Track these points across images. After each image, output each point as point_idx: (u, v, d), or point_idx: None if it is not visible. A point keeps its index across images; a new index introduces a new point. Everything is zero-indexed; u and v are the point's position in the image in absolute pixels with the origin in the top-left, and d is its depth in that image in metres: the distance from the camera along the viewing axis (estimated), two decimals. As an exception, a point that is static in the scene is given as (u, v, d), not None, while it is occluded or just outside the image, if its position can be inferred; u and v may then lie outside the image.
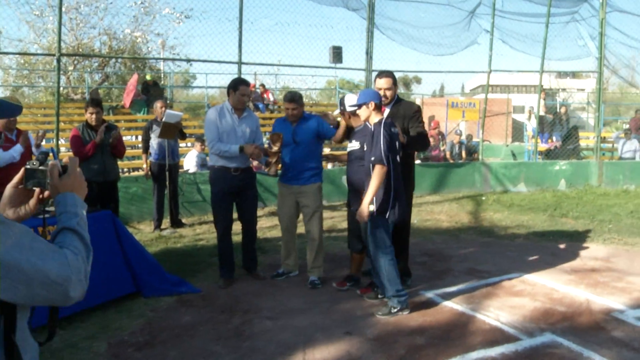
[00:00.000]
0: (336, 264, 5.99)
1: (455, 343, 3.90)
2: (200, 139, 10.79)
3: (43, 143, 12.54)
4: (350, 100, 5.01)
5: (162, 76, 20.99)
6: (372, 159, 4.29)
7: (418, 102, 21.81)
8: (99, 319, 4.37)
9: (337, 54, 15.88)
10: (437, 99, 23.65)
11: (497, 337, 4.01)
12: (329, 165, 12.93)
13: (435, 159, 13.32)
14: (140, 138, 9.26)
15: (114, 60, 21.60)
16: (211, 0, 10.41)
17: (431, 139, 11.60)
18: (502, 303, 4.73)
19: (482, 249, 6.70)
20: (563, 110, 15.42)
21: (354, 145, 4.97)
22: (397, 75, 5.18)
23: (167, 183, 7.85)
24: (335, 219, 8.54)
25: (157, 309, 4.65)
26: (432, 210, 9.30)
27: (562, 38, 12.78)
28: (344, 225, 7.66)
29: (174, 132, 7.52)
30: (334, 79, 22.35)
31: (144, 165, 8.07)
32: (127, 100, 15.62)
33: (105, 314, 4.47)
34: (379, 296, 4.80)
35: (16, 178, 1.61)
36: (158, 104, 8.05)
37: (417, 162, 10.84)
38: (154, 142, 7.77)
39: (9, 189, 1.61)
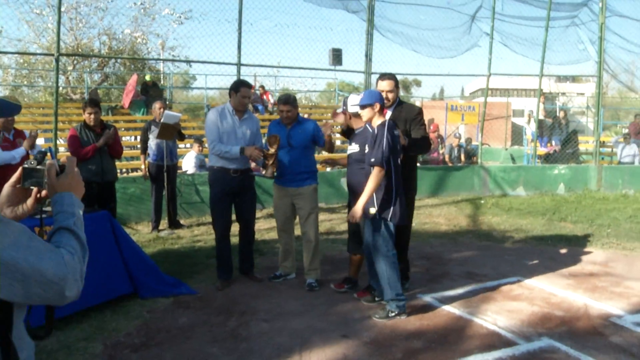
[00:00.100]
0: (334, 267, 5.97)
1: (452, 347, 3.89)
2: (198, 140, 10.78)
3: (41, 142, 12.51)
4: (354, 100, 4.99)
5: (161, 77, 20.99)
6: (372, 160, 4.27)
7: (417, 105, 21.80)
8: (95, 320, 4.34)
9: (336, 56, 15.89)
10: (436, 102, 23.69)
11: (494, 341, 4.00)
12: (328, 168, 12.92)
13: (434, 162, 13.32)
14: (139, 138, 9.25)
15: (113, 60, 21.59)
16: (211, 1, 10.42)
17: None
18: (499, 307, 4.72)
19: (481, 252, 6.69)
20: (562, 114, 15.42)
21: (353, 147, 4.96)
22: (397, 78, 5.18)
23: (165, 184, 7.84)
24: (334, 222, 8.53)
25: (153, 310, 4.63)
26: (431, 214, 9.28)
27: (561, 42, 12.81)
28: (342, 227, 7.68)
29: (172, 133, 7.50)
30: (334, 82, 22.37)
31: (142, 166, 8.06)
32: (126, 100, 15.61)
33: (101, 315, 4.45)
34: (376, 299, 4.78)
35: (14, 177, 1.61)
36: (157, 105, 8.04)
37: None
38: (152, 142, 7.76)
39: (6, 188, 1.61)
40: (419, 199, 10.15)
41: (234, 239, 5.61)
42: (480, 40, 12.01)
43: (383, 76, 5.05)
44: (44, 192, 1.64)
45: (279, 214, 5.55)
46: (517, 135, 21.21)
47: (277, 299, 4.97)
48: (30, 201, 1.64)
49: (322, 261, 5.89)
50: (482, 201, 10.54)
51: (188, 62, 18.89)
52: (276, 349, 3.86)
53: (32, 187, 1.62)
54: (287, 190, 5.41)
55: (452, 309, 4.66)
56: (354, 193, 4.93)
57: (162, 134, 7.41)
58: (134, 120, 15.45)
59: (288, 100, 5.37)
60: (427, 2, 11.53)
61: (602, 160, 14.28)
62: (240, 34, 9.47)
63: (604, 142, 15.72)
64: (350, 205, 5.11)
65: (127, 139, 14.51)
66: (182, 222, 8.34)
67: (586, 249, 6.81)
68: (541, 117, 14.31)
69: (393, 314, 4.40)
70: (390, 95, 4.89)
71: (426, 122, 5.26)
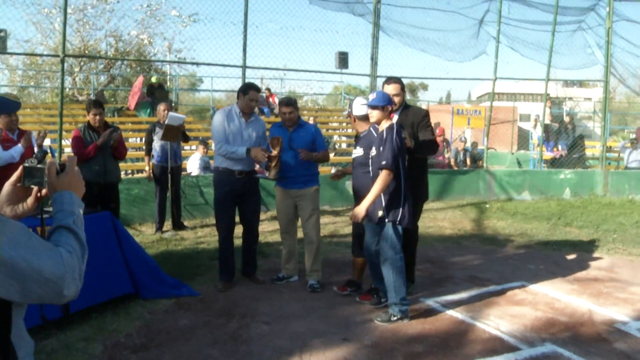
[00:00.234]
0: (337, 270, 5.95)
1: (453, 352, 3.85)
2: (203, 142, 10.79)
3: (47, 143, 12.57)
4: (360, 103, 4.99)
5: (168, 79, 21.07)
6: (383, 163, 4.23)
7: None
8: (95, 321, 4.33)
9: (343, 59, 15.88)
10: (442, 105, 23.66)
11: (496, 346, 3.96)
12: (332, 170, 12.91)
13: (440, 165, 13.28)
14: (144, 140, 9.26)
15: (119, 62, 21.68)
16: (217, 3, 10.46)
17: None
18: (502, 312, 4.68)
19: (485, 256, 6.64)
20: (567, 119, 15.34)
21: (358, 151, 4.94)
22: (403, 81, 5.16)
23: (169, 185, 7.84)
24: (338, 224, 8.51)
25: (154, 312, 4.62)
26: (435, 217, 9.24)
27: (568, 46, 12.76)
28: (346, 230, 7.65)
29: (176, 134, 7.51)
30: (341, 85, 22.36)
31: (147, 168, 8.07)
32: (132, 102, 15.67)
33: (102, 315, 4.43)
34: (382, 300, 4.76)
35: (14, 176, 1.61)
36: (161, 107, 8.05)
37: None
38: (156, 144, 7.77)
39: (7, 186, 1.61)
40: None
41: (237, 241, 5.59)
42: (488, 48, 11.99)
43: (389, 80, 5.03)
44: (44, 191, 1.64)
45: (281, 216, 5.55)
46: (523, 139, 21.13)
47: (278, 301, 4.94)
48: (30, 200, 1.64)
49: (325, 264, 5.88)
50: (487, 205, 10.49)
51: (193, 63, 18.96)
52: (276, 352, 3.84)
53: (32, 186, 1.62)
54: (290, 192, 5.41)
55: (455, 313, 4.63)
56: (358, 196, 4.90)
57: (166, 136, 7.42)
58: (140, 122, 15.50)
59: (290, 102, 5.41)
60: (433, 5, 11.50)
61: (609, 165, 14.19)
62: (245, 36, 9.48)
63: (610, 147, 15.64)
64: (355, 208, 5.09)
65: (133, 140, 14.55)
66: (185, 223, 8.34)
67: (591, 254, 6.76)
68: (547, 121, 14.25)
69: (395, 318, 4.37)
70: (396, 99, 4.85)
71: (432, 125, 5.23)
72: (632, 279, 5.68)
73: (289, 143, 5.31)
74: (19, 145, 5.44)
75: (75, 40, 20.19)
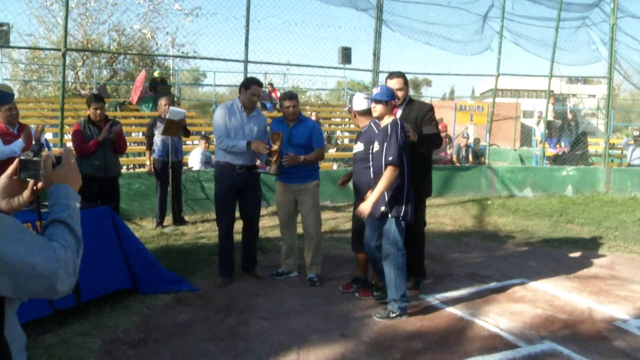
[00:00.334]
0: (337, 265, 5.94)
1: (452, 349, 3.84)
2: (205, 136, 10.78)
3: (50, 137, 12.55)
4: (360, 99, 4.97)
5: (171, 73, 21.04)
6: (390, 159, 4.20)
7: (426, 104, 21.69)
8: (94, 316, 4.33)
9: (346, 54, 15.83)
10: (445, 101, 23.58)
11: (495, 343, 3.95)
12: (334, 166, 12.90)
13: (442, 161, 13.24)
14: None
15: (122, 56, 21.67)
16: (219, -2, 10.41)
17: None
18: (502, 309, 4.66)
19: (485, 253, 6.62)
20: (570, 116, 15.27)
21: (358, 147, 4.92)
22: (406, 76, 5.13)
23: (170, 180, 7.83)
24: (339, 220, 8.50)
25: (153, 307, 4.62)
26: (437, 214, 9.22)
27: (572, 43, 12.69)
28: (347, 226, 7.64)
29: (177, 129, 7.50)
30: (344, 80, 22.29)
31: (147, 162, 8.06)
32: (134, 96, 15.66)
33: (100, 310, 4.43)
34: (375, 293, 4.77)
35: (10, 169, 1.61)
36: (162, 101, 8.03)
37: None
38: (157, 139, 7.75)
39: (2, 179, 1.60)
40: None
41: (237, 236, 5.58)
42: (492, 43, 11.93)
43: (392, 75, 5.00)
44: (40, 184, 1.63)
45: (281, 211, 5.55)
46: (526, 136, 21.07)
47: (277, 297, 4.94)
48: (26, 193, 1.64)
49: (325, 259, 5.87)
50: (489, 202, 10.47)
51: (195, 58, 18.94)
52: (274, 348, 3.83)
53: (28, 179, 1.61)
54: (290, 187, 5.41)
55: (454, 310, 4.61)
56: (359, 192, 4.89)
57: (167, 130, 7.41)
58: (142, 116, 15.49)
59: (292, 95, 5.45)
60: (436, 0, 11.44)
61: (612, 162, 14.13)
62: (247, 31, 9.45)
63: (614, 144, 15.57)
64: (356, 204, 5.07)
65: (135, 135, 14.55)
66: (186, 218, 8.34)
67: (592, 252, 6.73)
68: (550, 118, 14.19)
69: (394, 315, 4.36)
70: (399, 94, 4.82)
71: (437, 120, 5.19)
72: (633, 277, 5.66)
73: (289, 138, 5.31)
74: (20, 139, 5.43)
75: (78, 35, 20.18)
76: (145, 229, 7.71)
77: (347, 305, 4.74)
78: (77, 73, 20.84)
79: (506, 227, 8.22)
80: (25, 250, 1.32)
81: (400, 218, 4.33)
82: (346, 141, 16.43)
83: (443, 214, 9.23)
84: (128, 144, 13.77)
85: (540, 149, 13.26)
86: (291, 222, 5.56)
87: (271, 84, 18.44)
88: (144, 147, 11.71)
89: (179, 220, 8.06)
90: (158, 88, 15.52)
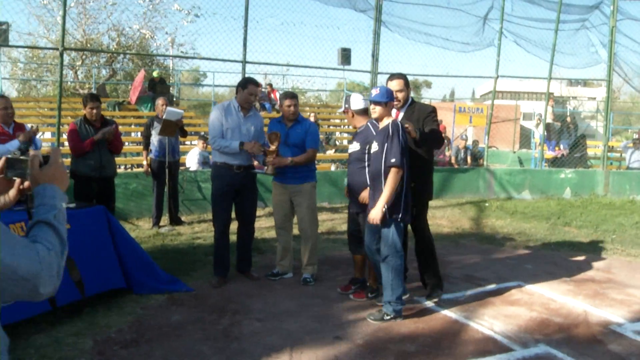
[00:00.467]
0: (333, 267, 5.92)
1: (445, 352, 3.82)
2: (203, 137, 10.76)
3: (48, 137, 12.49)
4: (358, 98, 4.96)
5: (170, 74, 21.03)
6: (392, 160, 4.17)
7: (426, 106, 21.68)
8: (87, 316, 4.31)
9: (345, 55, 15.82)
10: (444, 103, 23.57)
11: (489, 346, 3.93)
12: (332, 167, 12.88)
13: (440, 163, 13.22)
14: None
15: (122, 56, 21.66)
16: (217, -1, 10.39)
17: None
18: (497, 312, 4.64)
19: (482, 256, 6.60)
20: (569, 118, 15.26)
21: (354, 146, 4.91)
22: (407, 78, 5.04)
23: (167, 180, 7.81)
24: (336, 221, 8.48)
25: (147, 307, 4.60)
26: (434, 215, 9.19)
27: (572, 45, 12.66)
28: (344, 227, 7.58)
29: (174, 129, 7.48)
30: (343, 81, 22.27)
31: (144, 162, 8.04)
32: (133, 96, 15.66)
33: (94, 310, 4.41)
34: (370, 295, 4.75)
35: None
36: (159, 102, 8.02)
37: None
38: (154, 139, 7.74)
39: None
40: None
41: (233, 237, 5.56)
42: (495, 40, 11.89)
43: (392, 76, 4.94)
44: (26, 184, 1.61)
45: (277, 211, 5.54)
46: (526, 138, 21.06)
47: (272, 298, 4.92)
48: (12, 192, 1.62)
49: (322, 261, 5.86)
50: (487, 204, 10.44)
51: (193, 58, 18.91)
52: (267, 349, 3.81)
53: (15, 178, 1.59)
54: (287, 188, 5.39)
55: (449, 313, 4.59)
56: (354, 192, 4.88)
57: (164, 131, 7.40)
58: (141, 116, 15.48)
59: (292, 95, 5.47)
60: (435, 2, 11.43)
61: (611, 165, 14.11)
62: (246, 31, 9.43)
63: (613, 147, 15.55)
64: (350, 204, 5.06)
65: (134, 134, 14.54)
66: (183, 218, 8.32)
67: (589, 255, 6.71)
68: (549, 120, 14.17)
69: (388, 317, 4.33)
70: (400, 96, 4.76)
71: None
72: (629, 280, 5.64)
73: (285, 139, 5.29)
74: (15, 139, 5.41)
75: (77, 34, 20.16)
76: (142, 229, 7.70)
77: (341, 307, 4.72)
78: (76, 72, 20.82)
79: (503, 229, 8.20)
80: (7, 252, 1.29)
81: (399, 220, 4.30)
82: (345, 142, 16.43)
83: (440, 216, 9.22)
84: (127, 143, 13.85)
85: (539, 152, 13.24)
86: (287, 223, 5.55)
87: (270, 85, 18.42)
88: (142, 147, 11.72)
89: (175, 221, 8.04)
90: (157, 88, 15.52)
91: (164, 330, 4.14)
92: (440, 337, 4.09)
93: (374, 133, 4.71)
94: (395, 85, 4.80)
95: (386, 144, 4.24)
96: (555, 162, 13.13)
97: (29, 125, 5.90)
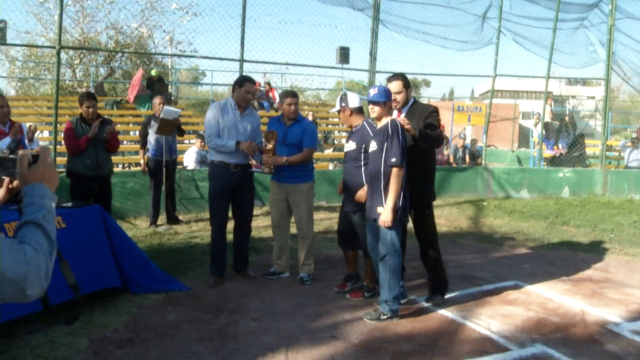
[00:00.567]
0: (330, 266, 5.91)
1: (441, 351, 3.81)
2: (201, 135, 10.74)
3: (46, 135, 12.45)
4: (354, 97, 4.94)
5: (169, 72, 20.99)
6: (393, 160, 4.14)
7: (424, 105, 21.69)
8: (83, 315, 4.28)
9: (344, 54, 15.80)
10: (443, 102, 23.55)
11: (486, 346, 3.91)
12: (331, 166, 12.87)
13: (438, 162, 13.21)
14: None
15: (120, 54, 21.62)
16: (215, -4, 10.38)
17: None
18: (494, 311, 4.63)
19: (480, 255, 6.60)
20: (567, 118, 15.25)
21: (350, 145, 4.89)
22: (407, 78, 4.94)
23: (164, 179, 7.79)
24: (333, 220, 8.45)
25: (143, 306, 4.58)
26: (432, 214, 9.17)
27: (570, 45, 12.64)
28: (341, 226, 7.59)
29: (171, 128, 7.46)
30: (343, 80, 22.24)
31: (141, 161, 8.02)
32: (131, 95, 15.64)
33: (90, 310, 4.39)
34: (367, 294, 4.75)
35: None
36: (156, 100, 8.00)
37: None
38: (151, 137, 7.73)
39: None
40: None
41: (230, 236, 5.54)
42: (494, 39, 11.86)
43: (391, 77, 4.85)
44: (15, 183, 1.59)
45: (274, 210, 5.53)
46: (524, 137, 21.06)
47: (268, 297, 4.90)
48: (1, 192, 1.60)
49: (319, 260, 5.85)
50: (485, 203, 10.44)
51: (190, 56, 18.89)
52: (262, 349, 3.80)
53: (3, 177, 1.57)
54: (284, 187, 5.38)
55: (446, 312, 4.58)
56: (349, 190, 4.86)
57: (161, 130, 7.38)
58: (139, 115, 15.46)
59: (294, 93, 5.46)
60: (434, 0, 11.40)
61: (609, 164, 14.10)
62: (243, 29, 9.40)
63: (611, 146, 15.54)
64: (345, 202, 5.04)
65: (133, 133, 14.51)
66: (180, 217, 8.31)
67: (587, 254, 6.70)
68: (548, 119, 14.15)
69: (385, 317, 4.32)
70: (398, 97, 4.65)
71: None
72: (627, 280, 5.63)
73: (284, 138, 5.27)
74: (8, 137, 5.39)
75: (75, 32, 20.13)
76: (139, 228, 7.68)
77: (338, 306, 4.71)
78: (74, 71, 20.77)
79: (502, 228, 8.19)
80: None
81: (398, 219, 4.28)
82: (343, 141, 16.40)
83: (438, 215, 9.18)
84: (125, 142, 13.83)
85: (537, 151, 13.24)
86: (284, 222, 5.53)
87: (268, 83, 18.40)
88: (139, 146, 11.70)
89: (172, 220, 8.03)
90: (155, 86, 15.50)
91: (160, 330, 4.12)
92: (437, 336, 4.08)
93: (371, 132, 4.69)
94: (393, 87, 4.70)
95: (386, 144, 4.22)
96: (553, 161, 13.12)
97: (26, 124, 5.88)
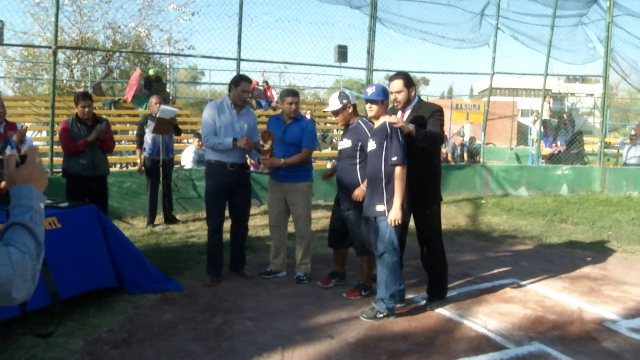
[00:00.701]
0: (328, 265, 5.86)
1: (438, 350, 3.79)
2: (198, 135, 10.72)
3: (44, 135, 12.39)
4: (351, 96, 4.93)
5: (167, 72, 20.95)
6: (394, 159, 4.12)
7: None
8: (78, 315, 4.27)
9: (342, 53, 15.78)
10: (442, 100, 23.54)
11: (482, 344, 3.90)
12: (329, 164, 12.85)
13: (437, 160, 13.20)
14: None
15: (117, 54, 21.59)
16: (211, -4, 10.36)
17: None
18: (491, 309, 4.62)
19: (478, 253, 6.58)
20: (565, 115, 15.24)
21: (345, 143, 4.88)
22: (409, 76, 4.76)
23: (161, 179, 7.77)
24: (331, 219, 8.44)
25: (139, 306, 4.56)
26: (430, 213, 9.16)
27: (569, 42, 12.62)
28: (338, 225, 7.58)
29: (168, 128, 7.45)
30: (341, 78, 22.22)
31: (138, 160, 8.01)
32: (129, 94, 15.61)
33: (85, 310, 4.37)
34: (363, 293, 4.74)
35: None
36: (153, 100, 7.98)
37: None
38: (148, 137, 7.71)
39: None
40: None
41: (227, 235, 5.53)
42: (490, 39, 11.84)
43: (392, 77, 4.77)
44: (2, 184, 1.57)
45: (271, 209, 5.52)
46: (523, 134, 21.04)
47: (265, 297, 4.89)
48: None
49: (316, 259, 5.84)
50: (483, 201, 10.42)
51: (187, 56, 18.87)
52: (259, 349, 3.78)
53: None
54: (282, 186, 5.36)
55: (443, 311, 4.56)
56: (343, 188, 4.85)
57: (157, 129, 7.36)
58: (137, 115, 15.43)
59: (295, 92, 5.43)
60: (431, -2, 11.38)
61: (608, 161, 14.09)
62: (240, 28, 9.37)
63: (610, 143, 15.53)
64: (339, 199, 5.02)
65: (130, 133, 14.48)
66: (177, 217, 8.29)
67: (585, 252, 6.69)
68: (546, 117, 14.14)
69: (381, 315, 4.30)
70: (399, 97, 4.51)
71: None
72: (625, 277, 5.62)
73: (282, 137, 5.24)
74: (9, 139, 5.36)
75: (73, 32, 20.10)
76: (136, 228, 7.66)
77: (334, 305, 4.69)
78: (71, 71, 20.74)
79: (500, 226, 8.18)
80: None
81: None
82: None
83: (437, 213, 9.18)
84: (122, 142, 13.79)
85: (536, 148, 13.22)
86: (281, 221, 5.51)
87: (266, 82, 18.37)
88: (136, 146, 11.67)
89: (169, 219, 8.01)
90: (153, 86, 15.47)
91: (156, 330, 4.11)
92: (434, 335, 4.06)
93: (367, 131, 4.67)
94: (394, 86, 4.58)
95: (386, 143, 4.20)
96: (552, 159, 13.11)
97: (22, 124, 5.86)
